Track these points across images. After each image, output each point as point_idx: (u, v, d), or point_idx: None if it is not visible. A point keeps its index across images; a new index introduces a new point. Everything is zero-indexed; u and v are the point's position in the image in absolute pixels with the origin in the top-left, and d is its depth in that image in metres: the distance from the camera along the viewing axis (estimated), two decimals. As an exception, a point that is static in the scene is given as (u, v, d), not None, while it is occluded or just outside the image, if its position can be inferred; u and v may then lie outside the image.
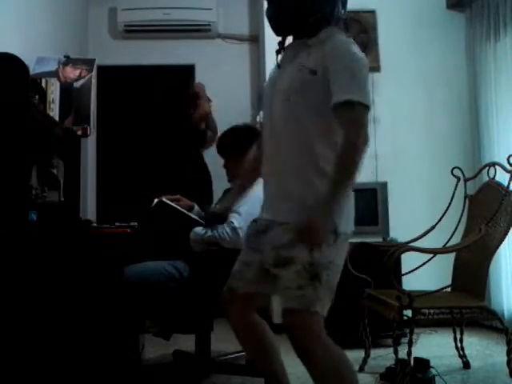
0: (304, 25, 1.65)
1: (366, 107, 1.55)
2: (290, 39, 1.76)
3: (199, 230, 2.49)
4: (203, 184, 3.89)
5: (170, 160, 4.00)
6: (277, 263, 1.58)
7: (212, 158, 3.47)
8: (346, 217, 1.59)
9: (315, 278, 1.50)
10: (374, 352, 2.88)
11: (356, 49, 1.61)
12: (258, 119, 4.20)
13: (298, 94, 1.60)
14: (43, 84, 2.78)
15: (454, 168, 2.91)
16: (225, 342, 3.20)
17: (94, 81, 3.08)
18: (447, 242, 2.84)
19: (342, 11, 1.70)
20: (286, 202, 1.63)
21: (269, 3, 1.71)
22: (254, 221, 1.79)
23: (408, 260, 2.79)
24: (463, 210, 2.87)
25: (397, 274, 2.84)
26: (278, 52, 1.75)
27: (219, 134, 3.04)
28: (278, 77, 1.70)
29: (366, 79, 1.58)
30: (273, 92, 1.70)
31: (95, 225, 2.52)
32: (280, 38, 1.75)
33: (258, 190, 2.57)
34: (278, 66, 1.73)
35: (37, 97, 2.58)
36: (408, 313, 2.32)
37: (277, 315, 3.21)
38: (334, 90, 1.54)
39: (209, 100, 3.95)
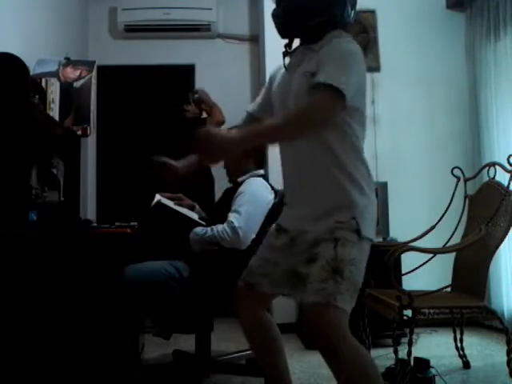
0: (310, 27, 1.64)
1: (342, 96, 1.49)
2: (297, 42, 1.75)
3: (199, 229, 2.49)
4: (204, 184, 3.89)
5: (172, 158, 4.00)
6: (307, 260, 1.59)
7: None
8: (370, 223, 1.62)
9: (337, 272, 1.51)
10: (374, 352, 2.87)
11: (352, 45, 1.60)
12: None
13: (305, 98, 1.58)
14: (43, 84, 2.78)
15: (454, 168, 2.91)
16: (225, 341, 3.21)
17: (93, 81, 3.08)
18: (447, 242, 2.84)
19: (352, 14, 1.69)
20: (309, 209, 1.65)
21: (277, 4, 1.70)
22: (279, 230, 1.76)
23: (408, 260, 2.79)
24: (463, 210, 2.87)
25: (397, 274, 2.84)
26: (284, 54, 1.74)
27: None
28: (287, 81, 1.69)
29: (353, 70, 1.55)
30: (283, 98, 1.69)
31: (95, 225, 2.52)
32: (286, 41, 1.74)
33: (257, 190, 2.59)
34: (286, 68, 1.73)
35: (37, 97, 2.58)
36: (408, 313, 2.31)
37: (277, 315, 3.23)
38: (316, 76, 1.53)
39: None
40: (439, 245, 2.80)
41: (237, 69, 4.68)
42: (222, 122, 3.85)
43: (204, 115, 3.99)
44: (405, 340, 2.64)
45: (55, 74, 2.94)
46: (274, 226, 1.81)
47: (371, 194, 1.66)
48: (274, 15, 1.70)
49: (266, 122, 1.57)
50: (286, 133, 1.52)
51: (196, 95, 3.98)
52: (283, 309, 3.40)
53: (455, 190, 2.92)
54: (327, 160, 1.61)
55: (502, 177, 2.63)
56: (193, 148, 1.48)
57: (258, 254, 1.79)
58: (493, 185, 2.67)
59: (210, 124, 3.85)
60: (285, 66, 1.74)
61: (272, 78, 1.84)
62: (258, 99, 1.90)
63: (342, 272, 1.51)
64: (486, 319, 2.95)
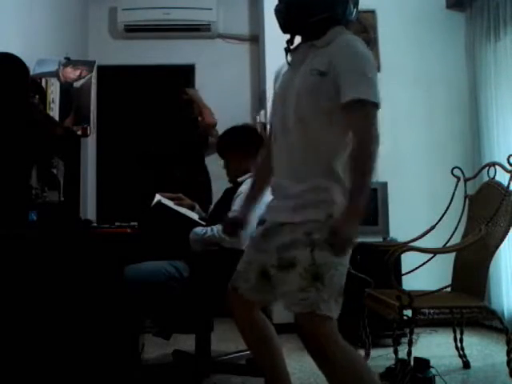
0: (311, 24, 1.64)
1: (375, 105, 1.55)
2: (298, 39, 1.75)
3: (199, 230, 2.49)
4: (203, 185, 3.89)
5: (170, 160, 4.00)
6: (280, 265, 1.56)
7: (212, 158, 3.48)
8: None
9: (317, 278, 1.48)
10: (374, 352, 2.88)
11: (363, 47, 1.60)
12: (258, 119, 4.20)
13: (310, 96, 1.59)
14: (43, 84, 2.78)
15: (454, 168, 2.91)
16: (225, 341, 3.20)
17: (93, 81, 3.08)
18: (447, 242, 2.84)
19: (354, 12, 1.69)
20: (288, 202, 1.62)
21: (279, 0, 1.70)
22: (260, 223, 1.78)
23: (408, 260, 2.79)
24: (463, 210, 2.87)
25: (397, 274, 2.84)
26: (286, 51, 1.74)
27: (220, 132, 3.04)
28: (289, 79, 1.69)
29: (375, 77, 1.58)
30: (285, 94, 1.69)
31: (95, 225, 2.52)
32: (288, 36, 1.74)
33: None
34: (289, 64, 1.72)
35: (37, 97, 2.58)
36: (408, 313, 2.31)
37: (277, 315, 3.22)
38: (342, 90, 1.54)
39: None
40: (439, 245, 2.80)
41: (237, 69, 4.68)
42: (214, 125, 3.75)
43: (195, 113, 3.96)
44: (405, 340, 2.63)
45: (55, 74, 2.95)
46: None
47: None
48: (277, 10, 1.70)
49: (352, 193, 1.52)
50: (369, 166, 1.53)
51: (185, 96, 3.90)
52: (283, 309, 3.40)
53: (455, 190, 2.92)
54: (316, 157, 1.60)
55: (502, 177, 2.63)
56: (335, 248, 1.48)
57: (243, 256, 1.79)
58: (493, 185, 2.67)
59: (201, 126, 3.82)
60: (288, 63, 1.73)
61: (277, 77, 1.84)
62: (271, 106, 1.89)
63: (322, 278, 1.49)
64: (486, 319, 2.95)
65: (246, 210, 1.91)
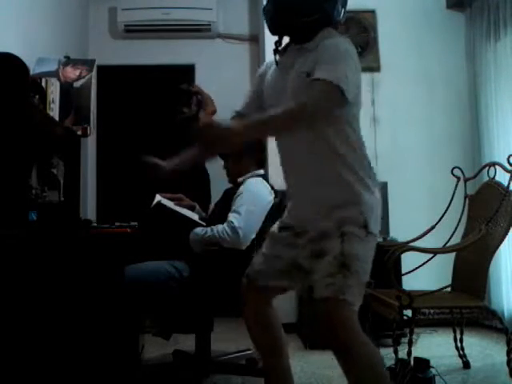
0: (301, 25, 1.64)
1: (339, 90, 1.49)
2: (286, 39, 1.75)
3: (199, 230, 2.49)
4: (202, 185, 3.89)
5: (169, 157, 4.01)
6: (312, 255, 1.59)
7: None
8: (375, 218, 1.62)
9: (345, 266, 1.51)
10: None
11: (347, 44, 1.60)
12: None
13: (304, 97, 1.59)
14: (43, 84, 2.77)
15: (454, 168, 2.91)
16: (225, 341, 3.20)
17: (94, 81, 3.08)
18: (447, 242, 2.84)
19: (342, 13, 1.69)
20: (314, 207, 1.64)
21: (268, 0, 1.69)
22: (283, 229, 1.77)
23: (408, 260, 2.79)
24: (463, 210, 2.87)
25: (397, 274, 2.84)
26: (275, 51, 1.74)
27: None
28: (280, 82, 1.69)
29: (349, 67, 1.55)
30: (279, 96, 1.68)
31: (95, 225, 2.52)
32: (276, 37, 1.74)
33: (257, 189, 2.59)
34: (277, 63, 1.72)
35: (37, 97, 2.58)
36: (408, 313, 2.32)
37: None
38: (314, 73, 1.53)
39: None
40: (439, 245, 2.80)
41: (237, 69, 4.68)
42: (214, 112, 3.98)
43: (195, 109, 4.04)
44: (405, 340, 2.63)
45: (55, 74, 2.94)
46: (276, 224, 1.81)
47: (376, 191, 1.66)
48: (265, 11, 1.70)
49: (267, 112, 1.55)
50: (287, 122, 1.50)
51: (193, 88, 4.11)
52: (283, 309, 3.39)
53: (455, 189, 2.92)
54: (332, 158, 1.61)
55: (502, 177, 2.63)
56: (193, 139, 1.46)
57: (261, 250, 1.81)
58: (493, 185, 2.67)
59: (203, 117, 3.90)
60: (276, 63, 1.73)
61: (261, 77, 1.83)
62: (247, 99, 1.90)
63: (349, 266, 1.51)
64: (486, 319, 2.95)
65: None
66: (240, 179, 2.64)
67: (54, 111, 2.84)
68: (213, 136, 1.41)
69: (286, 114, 1.48)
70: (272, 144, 1.86)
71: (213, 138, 1.41)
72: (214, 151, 1.53)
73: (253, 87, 1.88)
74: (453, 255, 2.77)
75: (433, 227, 2.94)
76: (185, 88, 4.07)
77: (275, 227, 1.81)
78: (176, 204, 2.63)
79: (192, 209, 2.72)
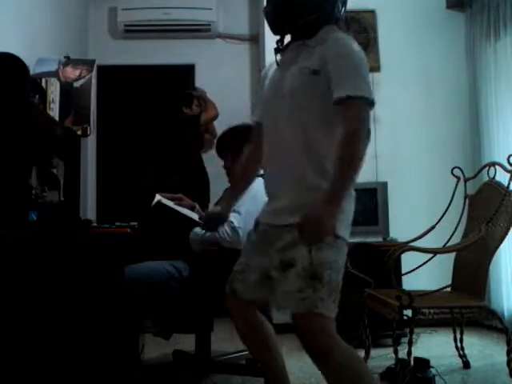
0: (302, 24, 1.64)
1: (368, 101, 1.54)
2: (288, 38, 1.75)
3: (199, 229, 2.49)
4: (201, 184, 3.90)
5: (169, 160, 4.01)
6: (281, 266, 1.57)
7: (212, 158, 3.48)
8: (346, 222, 1.59)
9: (315, 277, 1.48)
10: (373, 352, 2.88)
11: (355, 45, 1.60)
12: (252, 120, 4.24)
13: (302, 95, 1.59)
14: (43, 84, 2.77)
15: (454, 168, 2.91)
16: (225, 341, 3.20)
17: (94, 81, 3.08)
18: (447, 242, 2.84)
19: (342, 10, 1.70)
20: (287, 204, 1.62)
21: (268, 0, 1.70)
22: (256, 225, 1.78)
23: (408, 260, 2.79)
24: (463, 210, 2.87)
25: (397, 273, 2.84)
26: (276, 51, 1.74)
27: (219, 133, 3.04)
28: (279, 78, 1.69)
29: (367, 74, 1.58)
30: (275, 93, 1.68)
31: (95, 224, 2.52)
32: (278, 37, 1.74)
33: (257, 188, 2.59)
34: (278, 64, 1.72)
35: (37, 97, 2.58)
36: (408, 313, 2.31)
37: (277, 315, 3.22)
38: (335, 86, 1.54)
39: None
40: (439, 245, 2.80)
41: (237, 69, 4.68)
42: (216, 116, 4.05)
43: (197, 111, 4.08)
44: (405, 340, 2.63)
45: (55, 74, 2.94)
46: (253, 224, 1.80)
47: (352, 194, 1.63)
48: (265, 12, 1.70)
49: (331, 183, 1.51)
50: (349, 175, 1.51)
51: (195, 93, 4.12)
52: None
53: (455, 190, 2.92)
54: (306, 155, 1.60)
55: (502, 177, 2.63)
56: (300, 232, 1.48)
57: (240, 258, 1.79)
58: (493, 185, 2.67)
59: (202, 120, 3.94)
60: (277, 63, 1.73)
61: (264, 77, 1.83)
62: (257, 104, 1.88)
63: (320, 277, 1.49)
64: (485, 319, 2.95)
65: (228, 206, 1.99)
66: (240, 179, 2.64)
67: (54, 111, 2.84)
68: (318, 230, 1.47)
69: (351, 159, 1.49)
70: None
71: (319, 232, 1.47)
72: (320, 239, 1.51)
73: (259, 90, 1.88)
74: (453, 255, 2.77)
75: (433, 227, 2.94)
76: (188, 92, 4.11)
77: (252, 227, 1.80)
78: (176, 204, 2.62)
79: (192, 209, 2.72)
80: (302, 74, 1.60)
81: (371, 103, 1.55)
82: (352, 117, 1.52)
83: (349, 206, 1.61)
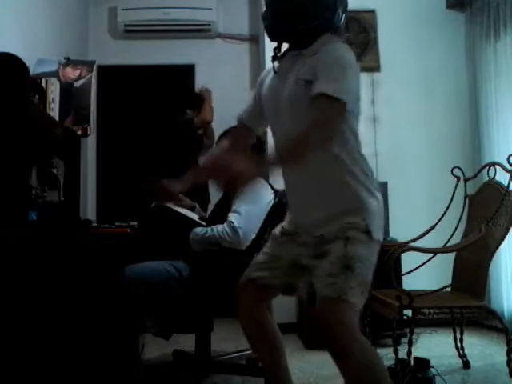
0: (300, 30, 1.63)
1: (342, 104, 1.51)
2: (285, 46, 1.74)
3: (199, 229, 2.49)
4: (201, 185, 3.89)
5: (169, 160, 4.01)
6: (315, 255, 1.61)
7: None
8: (379, 225, 1.68)
9: (347, 267, 1.52)
10: (373, 352, 2.88)
11: (347, 53, 1.59)
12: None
13: (301, 105, 1.58)
14: (43, 84, 2.78)
15: (454, 168, 2.91)
16: (225, 341, 3.20)
17: (94, 81, 3.08)
18: (447, 242, 2.84)
19: (342, 18, 1.68)
20: (317, 215, 1.65)
21: (267, 6, 1.68)
22: (285, 232, 1.79)
23: (408, 260, 2.79)
24: (463, 210, 2.87)
25: (397, 273, 2.84)
26: (273, 58, 1.73)
27: (218, 134, 3.04)
28: (279, 86, 1.68)
29: (352, 80, 1.56)
30: (277, 102, 1.68)
31: (95, 224, 2.52)
32: (275, 44, 1.74)
33: (257, 190, 2.59)
34: (275, 72, 1.72)
35: (37, 97, 2.58)
36: (408, 313, 2.32)
37: (277, 315, 3.22)
38: (315, 84, 1.53)
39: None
40: (439, 245, 2.80)
41: (237, 69, 4.68)
42: (209, 122, 3.97)
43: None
44: (405, 340, 2.63)
45: (55, 74, 2.94)
46: (278, 228, 1.81)
47: (378, 194, 1.68)
48: (263, 18, 1.69)
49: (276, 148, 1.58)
50: (297, 154, 1.55)
51: (202, 91, 4.08)
52: (283, 309, 3.40)
53: (455, 189, 2.92)
54: (333, 166, 1.62)
55: (502, 177, 2.63)
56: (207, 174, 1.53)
57: (262, 250, 1.81)
58: (493, 185, 2.67)
59: (197, 121, 3.91)
60: (274, 70, 1.73)
61: (261, 83, 1.82)
62: (248, 106, 1.89)
63: (352, 268, 1.53)
64: (485, 319, 2.95)
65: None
66: (240, 179, 2.64)
67: (54, 111, 2.84)
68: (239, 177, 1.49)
69: (296, 144, 1.54)
70: (272, 144, 1.86)
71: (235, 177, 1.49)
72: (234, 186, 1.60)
73: (253, 93, 1.88)
74: (453, 255, 2.78)
75: (433, 227, 2.94)
76: (199, 95, 4.07)
77: (277, 230, 1.81)
78: (176, 204, 2.62)
79: (192, 209, 2.72)
80: (297, 84, 1.60)
81: (344, 106, 1.53)
82: (323, 116, 1.52)
83: (379, 210, 1.69)
